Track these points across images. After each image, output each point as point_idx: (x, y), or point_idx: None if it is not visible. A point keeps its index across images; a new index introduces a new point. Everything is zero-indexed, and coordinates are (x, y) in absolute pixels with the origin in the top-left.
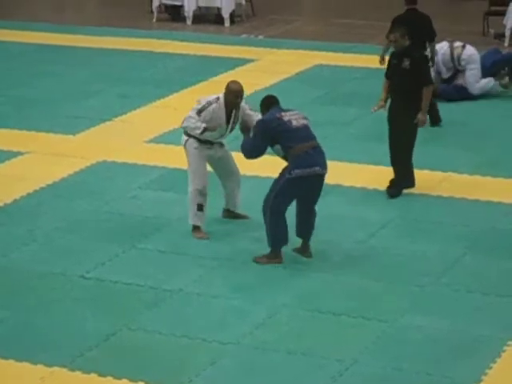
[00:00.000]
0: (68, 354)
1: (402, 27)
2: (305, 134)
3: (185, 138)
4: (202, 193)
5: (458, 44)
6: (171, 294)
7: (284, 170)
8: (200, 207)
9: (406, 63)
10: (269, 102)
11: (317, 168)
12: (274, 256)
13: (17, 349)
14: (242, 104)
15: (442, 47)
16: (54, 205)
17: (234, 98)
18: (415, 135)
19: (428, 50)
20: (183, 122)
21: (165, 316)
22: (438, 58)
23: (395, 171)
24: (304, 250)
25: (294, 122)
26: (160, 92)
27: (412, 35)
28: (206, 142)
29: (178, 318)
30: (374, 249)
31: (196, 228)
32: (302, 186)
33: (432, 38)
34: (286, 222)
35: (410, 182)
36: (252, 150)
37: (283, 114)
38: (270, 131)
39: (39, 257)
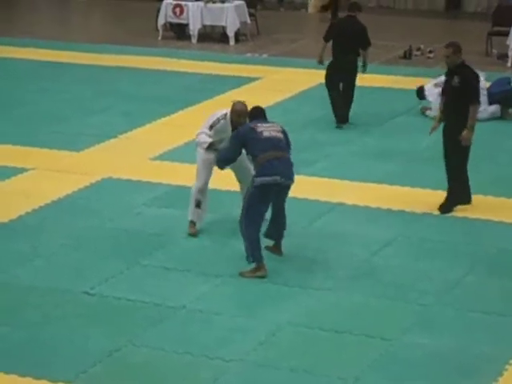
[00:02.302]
0: (71, 370)
1: (455, 43)
2: (273, 144)
3: (197, 140)
4: (201, 190)
5: None
6: (175, 311)
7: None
8: (198, 204)
9: (456, 81)
10: (252, 115)
11: (277, 177)
12: (258, 269)
13: (20, 364)
14: None
15: None
16: (58, 221)
17: (236, 117)
18: (467, 152)
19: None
20: (197, 136)
21: (168, 333)
22: None
23: (449, 188)
24: (276, 249)
25: (266, 133)
26: (165, 110)
27: (347, 41)
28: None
29: (182, 334)
30: (376, 267)
31: (191, 223)
32: (267, 194)
33: (365, 46)
34: (259, 235)
35: (466, 199)
36: (223, 155)
37: (259, 125)
38: (240, 139)
39: (43, 273)
